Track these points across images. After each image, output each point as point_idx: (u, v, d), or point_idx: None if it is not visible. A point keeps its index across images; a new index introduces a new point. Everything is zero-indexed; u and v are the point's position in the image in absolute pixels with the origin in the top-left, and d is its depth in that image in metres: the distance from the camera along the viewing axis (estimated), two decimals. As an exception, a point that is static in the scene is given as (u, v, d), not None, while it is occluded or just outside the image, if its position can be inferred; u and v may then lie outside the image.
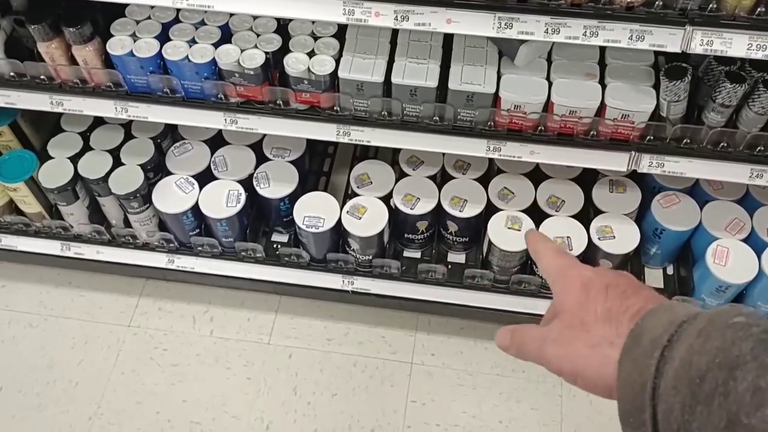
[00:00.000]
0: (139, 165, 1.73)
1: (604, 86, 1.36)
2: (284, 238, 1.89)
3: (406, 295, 1.80)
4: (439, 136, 1.42)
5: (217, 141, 1.83)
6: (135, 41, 1.44)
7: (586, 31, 1.15)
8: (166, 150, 1.81)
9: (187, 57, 1.42)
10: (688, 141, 1.35)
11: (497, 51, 1.41)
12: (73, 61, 1.47)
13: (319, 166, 2.03)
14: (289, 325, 1.97)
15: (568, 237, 1.62)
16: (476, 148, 1.43)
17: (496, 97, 1.37)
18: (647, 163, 1.39)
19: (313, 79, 1.40)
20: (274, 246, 1.88)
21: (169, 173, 1.77)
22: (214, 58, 1.41)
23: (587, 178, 1.73)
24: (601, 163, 1.43)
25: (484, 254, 1.76)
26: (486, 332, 1.92)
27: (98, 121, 1.84)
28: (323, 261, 1.78)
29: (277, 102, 1.45)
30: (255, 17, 1.48)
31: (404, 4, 1.15)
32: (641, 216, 1.71)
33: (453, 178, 1.72)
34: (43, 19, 1.40)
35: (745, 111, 1.33)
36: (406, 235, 1.78)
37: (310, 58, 1.41)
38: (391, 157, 1.87)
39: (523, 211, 1.67)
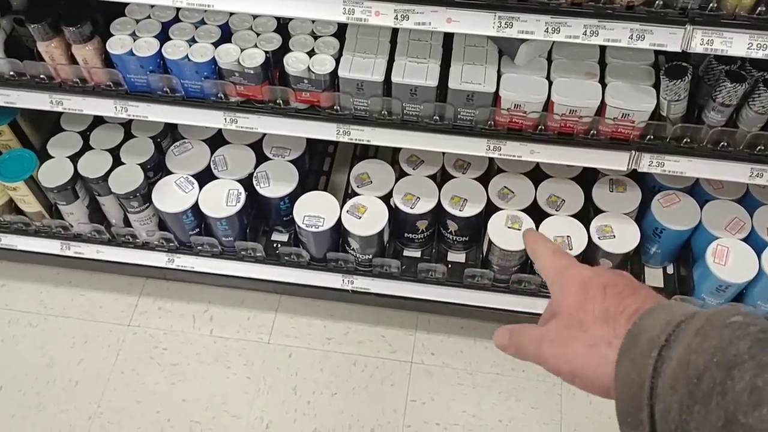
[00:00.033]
0: (139, 164, 1.73)
1: (604, 85, 1.36)
2: (284, 238, 1.89)
3: (406, 295, 1.80)
4: (439, 135, 1.42)
5: (216, 140, 1.83)
6: (135, 40, 1.44)
7: (586, 31, 1.15)
8: (166, 149, 1.81)
9: (186, 56, 1.42)
10: (689, 140, 1.35)
11: (497, 50, 1.41)
12: (72, 60, 1.47)
13: (319, 166, 2.03)
14: (289, 324, 1.97)
15: (568, 236, 1.62)
16: (476, 147, 1.43)
17: (496, 97, 1.37)
18: (647, 163, 1.39)
19: (313, 78, 1.40)
20: (274, 245, 1.88)
21: (169, 172, 1.77)
22: (213, 57, 1.41)
23: (587, 178, 1.73)
24: (601, 162, 1.43)
25: (484, 253, 1.76)
26: (486, 331, 1.92)
27: (98, 121, 1.84)
28: (323, 260, 1.78)
29: (277, 101, 1.44)
30: (255, 16, 1.48)
31: (404, 3, 1.15)
32: (641, 215, 1.71)
33: (453, 177, 1.72)
34: (42, 18, 1.40)
35: (745, 110, 1.33)
36: (406, 235, 1.78)
37: (310, 57, 1.41)
38: (391, 156, 1.87)
39: (523, 210, 1.67)
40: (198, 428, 1.80)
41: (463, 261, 1.83)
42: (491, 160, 1.76)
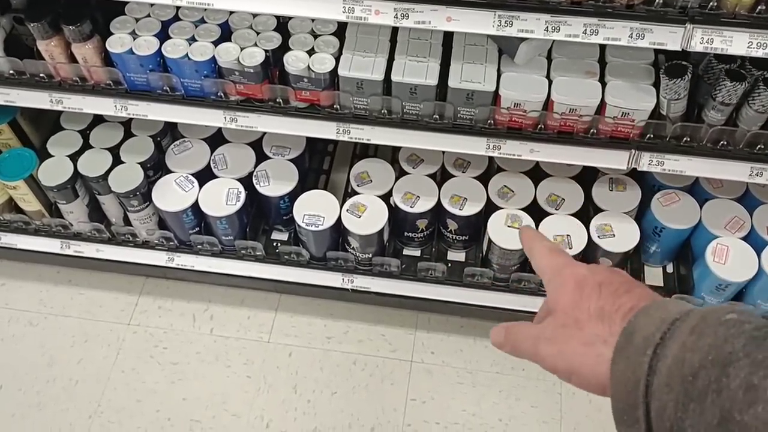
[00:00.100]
0: (139, 163, 1.73)
1: (604, 84, 1.36)
2: (284, 237, 1.89)
3: (406, 294, 1.80)
4: (439, 134, 1.42)
5: (216, 139, 1.83)
6: (135, 39, 1.44)
7: (586, 29, 1.15)
8: (165, 148, 1.81)
9: (186, 55, 1.42)
10: (688, 139, 1.35)
11: (497, 49, 1.41)
12: (72, 59, 1.47)
13: (318, 165, 2.03)
14: (289, 323, 1.97)
15: (568, 235, 1.62)
16: (476, 146, 1.43)
17: (496, 96, 1.37)
18: (647, 162, 1.39)
19: (313, 77, 1.40)
20: (274, 244, 1.88)
21: (168, 171, 1.77)
22: (213, 56, 1.41)
23: (587, 177, 1.73)
24: (601, 161, 1.43)
25: (484, 252, 1.76)
26: (486, 330, 1.91)
27: (98, 119, 1.84)
28: (323, 259, 1.78)
29: (277, 100, 1.44)
30: (255, 15, 1.48)
31: (404, 2, 1.15)
32: (641, 214, 1.71)
33: (453, 176, 1.72)
34: (42, 17, 1.40)
35: (745, 109, 1.33)
36: (405, 234, 1.78)
37: (310, 56, 1.41)
38: (391, 155, 1.87)
39: (523, 209, 1.67)
40: (198, 427, 1.80)
41: (463, 260, 1.83)
42: (491, 159, 1.76)
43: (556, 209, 1.67)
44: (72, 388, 1.87)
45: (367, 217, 1.66)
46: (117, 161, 1.74)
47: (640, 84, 1.35)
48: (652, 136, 1.36)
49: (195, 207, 1.72)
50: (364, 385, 1.86)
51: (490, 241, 1.65)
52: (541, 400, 1.82)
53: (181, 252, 1.84)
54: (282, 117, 1.46)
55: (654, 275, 1.82)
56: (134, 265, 1.90)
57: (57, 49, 1.44)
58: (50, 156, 1.76)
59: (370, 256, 1.74)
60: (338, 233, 1.73)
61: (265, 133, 1.81)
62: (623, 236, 1.62)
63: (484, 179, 1.72)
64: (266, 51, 1.42)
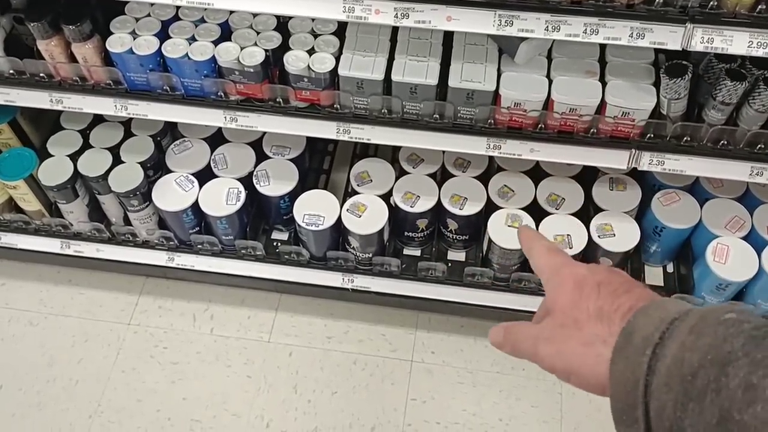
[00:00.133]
0: (139, 163, 1.73)
1: (604, 84, 1.36)
2: (284, 236, 1.89)
3: (406, 293, 1.80)
4: (439, 133, 1.42)
5: (216, 139, 1.83)
6: (135, 39, 1.44)
7: (586, 29, 1.15)
8: (165, 148, 1.81)
9: (186, 55, 1.42)
10: (689, 139, 1.35)
11: (497, 49, 1.41)
12: (72, 58, 1.46)
13: (319, 164, 2.03)
14: (289, 323, 1.97)
15: (568, 235, 1.62)
16: (476, 145, 1.43)
17: (496, 95, 1.37)
18: (647, 161, 1.39)
19: (313, 76, 1.40)
20: (274, 244, 1.88)
21: (168, 171, 1.76)
22: (213, 55, 1.41)
23: (587, 176, 1.73)
24: (601, 160, 1.43)
25: (484, 252, 1.76)
26: (486, 330, 1.90)
27: (98, 119, 1.83)
28: (323, 259, 1.78)
29: (277, 100, 1.44)
30: (255, 15, 1.47)
31: (404, 1, 1.15)
32: (641, 214, 1.71)
33: (453, 176, 1.72)
34: (42, 16, 1.39)
35: (745, 108, 1.33)
36: (406, 233, 1.78)
37: (310, 55, 1.41)
38: (391, 155, 1.87)
39: (523, 209, 1.67)
40: (198, 427, 1.80)
41: (463, 259, 1.83)
42: (491, 158, 1.76)
43: (556, 209, 1.67)
44: (72, 387, 1.87)
45: (368, 217, 1.66)
46: (117, 161, 1.74)
47: (640, 83, 1.35)
48: (652, 135, 1.36)
49: (195, 207, 1.72)
50: (364, 385, 1.86)
51: (490, 240, 1.65)
52: (541, 400, 1.82)
53: (181, 252, 1.84)
54: (282, 117, 1.46)
55: (654, 275, 1.82)
56: (134, 265, 1.90)
57: (57, 49, 1.44)
58: (50, 156, 1.76)
59: (371, 255, 1.74)
60: (338, 233, 1.73)
61: (265, 133, 1.81)
62: (623, 236, 1.62)
63: (484, 179, 1.72)
64: (266, 51, 1.42)
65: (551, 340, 0.61)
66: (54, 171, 1.74)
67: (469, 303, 1.79)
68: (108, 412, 1.83)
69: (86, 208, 1.83)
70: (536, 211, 1.67)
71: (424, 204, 1.68)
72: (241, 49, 1.42)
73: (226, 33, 1.45)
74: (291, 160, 1.78)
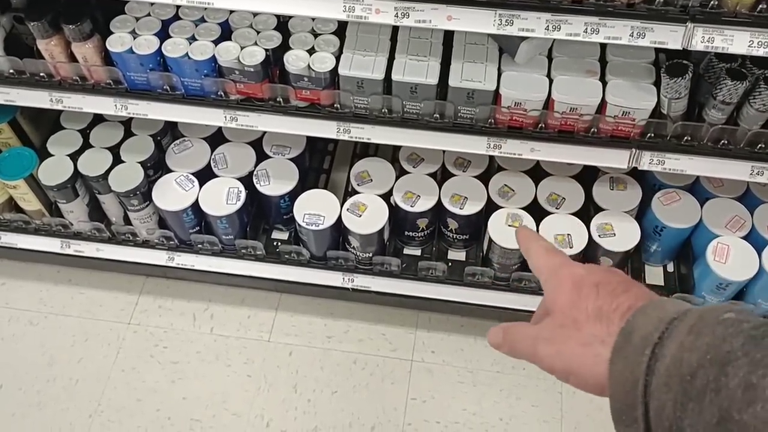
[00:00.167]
0: (139, 162, 1.73)
1: (604, 83, 1.36)
2: (284, 236, 1.89)
3: (407, 293, 1.80)
4: (439, 133, 1.42)
5: (217, 138, 1.83)
6: (135, 38, 1.44)
7: (587, 28, 1.14)
8: (166, 147, 1.81)
9: (187, 54, 1.41)
10: (689, 138, 1.35)
11: (498, 48, 1.41)
12: (72, 58, 1.46)
13: (319, 164, 2.02)
14: (289, 322, 1.97)
15: (568, 234, 1.62)
16: (477, 145, 1.43)
17: (496, 95, 1.37)
18: (648, 161, 1.39)
19: (314, 76, 1.39)
20: (275, 243, 1.88)
21: (169, 171, 1.76)
22: (214, 55, 1.41)
23: (588, 176, 1.73)
24: (601, 160, 1.42)
25: (485, 252, 1.76)
26: (486, 330, 1.89)
27: (98, 119, 1.83)
28: (323, 258, 1.78)
29: (278, 99, 1.44)
30: (255, 14, 1.47)
31: (405, 0, 1.15)
32: (642, 213, 1.71)
33: (453, 175, 1.72)
34: (42, 16, 1.39)
35: (745, 108, 1.33)
36: (406, 233, 1.78)
37: (311, 55, 1.41)
38: (392, 154, 1.86)
39: (523, 208, 1.67)
40: (198, 426, 1.80)
41: (464, 259, 1.83)
42: (491, 158, 1.76)
43: (556, 208, 1.67)
44: (72, 387, 1.87)
45: (368, 217, 1.66)
46: (117, 160, 1.74)
47: (640, 83, 1.35)
48: (652, 135, 1.36)
49: (195, 206, 1.72)
50: (364, 385, 1.86)
51: (490, 240, 1.65)
52: (541, 399, 1.82)
53: (181, 251, 1.84)
54: (282, 116, 1.46)
55: (654, 274, 1.82)
56: (134, 265, 1.90)
57: (57, 49, 1.44)
58: (50, 155, 1.76)
59: (371, 255, 1.74)
60: (338, 232, 1.73)
61: (265, 133, 1.81)
62: (624, 235, 1.62)
63: (484, 178, 1.72)
64: (266, 50, 1.41)
65: (550, 341, 0.61)
66: (54, 170, 1.73)
67: (470, 302, 1.79)
68: (108, 411, 1.83)
69: (86, 208, 1.83)
70: (536, 211, 1.67)
71: (425, 203, 1.68)
72: (242, 48, 1.41)
73: (226, 32, 1.45)
74: (291, 159, 1.78)
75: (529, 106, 1.36)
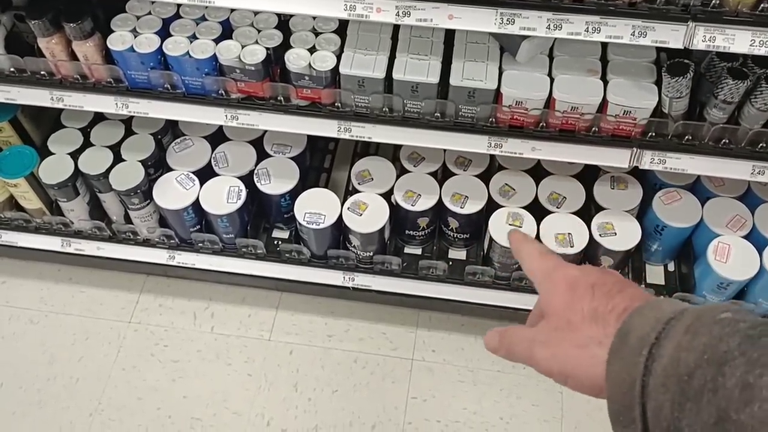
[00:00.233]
0: (140, 161, 1.73)
1: (606, 82, 1.36)
2: (285, 235, 1.89)
3: (407, 292, 1.80)
4: (440, 132, 1.42)
5: (217, 137, 1.83)
6: (136, 37, 1.44)
7: (588, 27, 1.14)
8: (166, 146, 1.81)
9: (187, 53, 1.41)
10: (690, 137, 1.35)
11: (499, 47, 1.41)
12: (73, 56, 1.46)
13: (319, 163, 2.02)
14: (289, 321, 1.97)
15: (569, 234, 1.62)
16: (477, 144, 1.43)
17: (497, 94, 1.37)
18: (649, 160, 1.39)
19: (314, 75, 1.39)
20: (275, 242, 1.88)
21: (169, 169, 1.76)
22: (215, 53, 1.41)
23: (588, 175, 1.73)
24: (602, 159, 1.42)
25: (485, 251, 1.75)
26: (487, 329, 1.90)
27: (99, 117, 1.83)
28: (324, 257, 1.78)
29: (278, 98, 1.44)
30: (256, 13, 1.47)
31: (406, -1, 1.15)
32: (642, 213, 1.71)
33: (454, 174, 1.72)
34: (43, 14, 1.39)
35: (747, 107, 1.33)
36: (407, 232, 1.78)
37: (311, 54, 1.40)
38: (392, 153, 1.86)
39: (524, 207, 1.67)
40: (199, 425, 1.80)
41: (464, 258, 1.83)
42: (492, 157, 1.76)
43: (557, 207, 1.67)
44: (72, 386, 1.87)
45: (368, 216, 1.66)
46: (118, 159, 1.74)
47: (642, 82, 1.35)
48: (653, 134, 1.36)
49: (196, 205, 1.72)
50: (365, 384, 1.86)
51: (491, 239, 1.65)
52: (542, 399, 1.82)
53: (181, 250, 1.84)
54: (283, 115, 1.46)
55: (655, 274, 1.82)
56: (135, 263, 1.90)
57: (58, 47, 1.44)
58: (51, 154, 1.76)
59: (371, 254, 1.74)
60: (339, 231, 1.73)
61: (266, 131, 1.81)
62: (625, 234, 1.62)
63: (485, 177, 1.71)
64: (267, 49, 1.41)
65: (546, 344, 0.61)
66: (55, 169, 1.73)
67: (470, 301, 1.79)
68: (108, 410, 1.83)
69: (87, 206, 1.83)
70: (537, 210, 1.67)
71: (425, 202, 1.68)
72: (242, 47, 1.41)
73: (227, 31, 1.45)
74: (292, 158, 1.78)
75: (530, 105, 1.36)
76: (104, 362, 1.90)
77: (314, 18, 1.46)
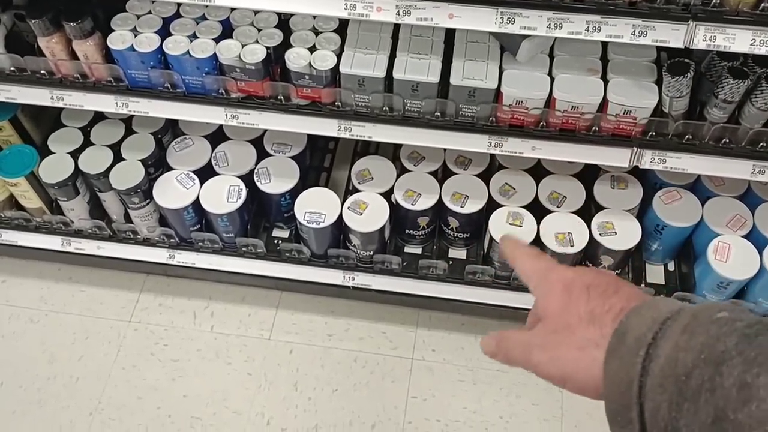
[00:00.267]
0: (140, 160, 1.73)
1: (606, 82, 1.36)
2: (285, 234, 1.89)
3: (407, 291, 1.80)
4: (440, 131, 1.42)
5: (217, 136, 1.83)
6: (136, 36, 1.43)
7: (588, 27, 1.14)
8: (166, 145, 1.81)
9: (188, 52, 1.41)
10: (690, 137, 1.35)
11: (499, 46, 1.41)
12: (73, 55, 1.46)
13: (319, 162, 2.02)
14: (289, 320, 1.97)
15: (569, 233, 1.62)
16: (478, 143, 1.43)
17: (497, 93, 1.37)
18: (649, 159, 1.39)
19: (315, 74, 1.39)
20: (275, 241, 1.88)
21: (169, 168, 1.76)
22: (215, 53, 1.41)
23: (589, 174, 1.73)
24: (602, 159, 1.42)
25: (485, 250, 1.75)
26: (487, 328, 1.91)
27: (99, 116, 1.83)
28: (324, 257, 1.78)
29: (279, 97, 1.44)
30: (256, 12, 1.47)
31: (406, -2, 1.15)
32: (643, 212, 1.71)
33: (454, 173, 1.72)
34: (43, 13, 1.39)
35: (747, 107, 1.33)
36: (407, 231, 1.78)
37: (312, 53, 1.40)
38: (392, 152, 1.86)
39: (524, 207, 1.67)
40: (199, 424, 1.80)
41: (464, 258, 1.83)
42: (492, 156, 1.76)
43: (557, 207, 1.67)
44: (72, 385, 1.87)
45: (368, 215, 1.66)
46: (118, 158, 1.74)
47: (642, 81, 1.35)
48: (654, 133, 1.36)
49: (196, 204, 1.71)
50: (364, 383, 1.86)
51: (491, 238, 1.65)
52: (542, 398, 1.82)
53: (182, 249, 1.84)
54: (283, 114, 1.46)
55: (655, 273, 1.82)
56: (135, 263, 1.90)
57: (58, 46, 1.44)
58: (51, 153, 1.76)
59: (371, 253, 1.74)
60: (339, 231, 1.73)
61: (266, 131, 1.81)
62: (625, 234, 1.62)
63: (485, 177, 1.71)
64: (267, 48, 1.41)
65: (544, 347, 0.61)
66: (55, 168, 1.73)
67: (470, 301, 1.79)
68: (108, 409, 1.83)
69: (87, 206, 1.83)
70: (537, 209, 1.67)
71: (425, 202, 1.68)
72: (243, 46, 1.41)
73: (227, 30, 1.45)
74: (292, 157, 1.78)
75: (531, 105, 1.36)
76: (104, 361, 1.90)
77: (314, 17, 1.46)
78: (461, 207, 1.67)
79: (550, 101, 1.37)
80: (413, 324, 1.95)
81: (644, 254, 1.80)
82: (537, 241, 1.62)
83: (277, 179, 1.73)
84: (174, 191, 1.72)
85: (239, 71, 1.41)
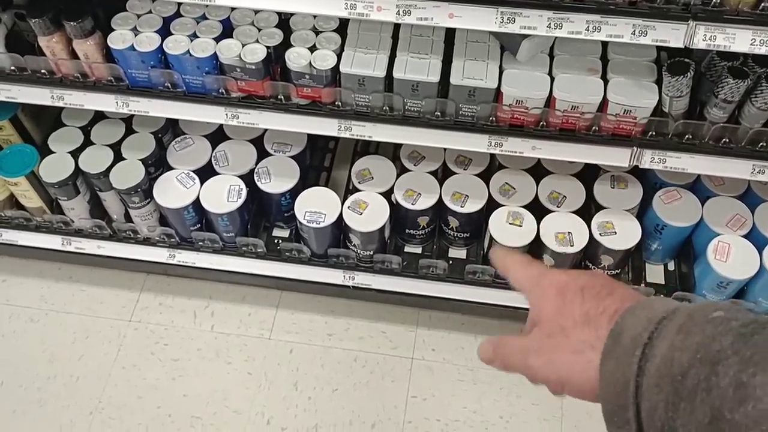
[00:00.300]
0: (140, 160, 1.73)
1: (606, 81, 1.36)
2: (285, 234, 1.89)
3: (407, 291, 1.80)
4: (440, 131, 1.42)
5: (218, 136, 1.83)
6: (136, 35, 1.44)
7: (588, 26, 1.14)
8: (167, 145, 1.81)
9: (188, 51, 1.41)
10: (690, 137, 1.35)
11: (499, 46, 1.41)
12: (74, 55, 1.46)
13: (320, 162, 2.02)
14: (289, 320, 1.97)
15: (569, 233, 1.62)
16: (478, 143, 1.43)
17: (497, 93, 1.37)
18: (649, 159, 1.39)
19: (315, 73, 1.39)
20: (275, 241, 1.88)
21: (170, 168, 1.76)
22: (215, 52, 1.41)
23: (589, 174, 1.73)
24: (602, 158, 1.42)
25: (486, 250, 1.76)
26: (487, 328, 1.92)
27: (99, 116, 1.83)
28: (324, 256, 1.78)
29: (279, 97, 1.44)
30: (256, 11, 1.47)
31: (406, -2, 1.15)
32: (642, 212, 1.71)
33: (454, 173, 1.72)
34: (43, 13, 1.39)
35: (747, 107, 1.33)
36: (407, 231, 1.78)
37: (312, 52, 1.40)
38: (392, 152, 1.86)
39: (524, 206, 1.67)
40: (199, 423, 1.80)
41: (464, 257, 1.83)
42: (492, 156, 1.76)
43: (557, 207, 1.67)
44: (73, 384, 1.87)
45: (369, 214, 1.66)
46: (118, 158, 1.74)
47: (642, 81, 1.35)
48: (654, 133, 1.36)
49: (196, 204, 1.72)
50: (364, 382, 1.86)
51: (491, 238, 1.65)
52: (542, 398, 1.82)
53: (182, 249, 1.84)
54: (283, 114, 1.46)
55: (655, 273, 1.82)
56: (135, 262, 1.90)
57: (58, 46, 1.44)
58: (51, 152, 1.76)
59: (371, 253, 1.74)
60: (339, 230, 1.73)
61: (266, 130, 1.81)
62: (625, 234, 1.62)
63: (485, 176, 1.71)
64: (268, 47, 1.41)
65: (540, 352, 0.61)
66: (55, 168, 1.74)
67: (470, 300, 1.79)
68: (108, 408, 1.83)
69: (87, 205, 1.83)
70: (537, 209, 1.67)
71: (426, 201, 1.68)
72: (243, 46, 1.41)
73: (227, 30, 1.45)
74: (292, 157, 1.78)
75: (531, 104, 1.36)
76: (104, 361, 1.91)
77: (315, 17, 1.46)
78: (461, 207, 1.67)
79: (550, 101, 1.37)
80: (413, 323, 1.95)
81: (644, 254, 1.80)
82: (537, 241, 1.62)
83: (278, 179, 1.73)
84: (174, 191, 1.72)
85: (239, 71, 1.41)
